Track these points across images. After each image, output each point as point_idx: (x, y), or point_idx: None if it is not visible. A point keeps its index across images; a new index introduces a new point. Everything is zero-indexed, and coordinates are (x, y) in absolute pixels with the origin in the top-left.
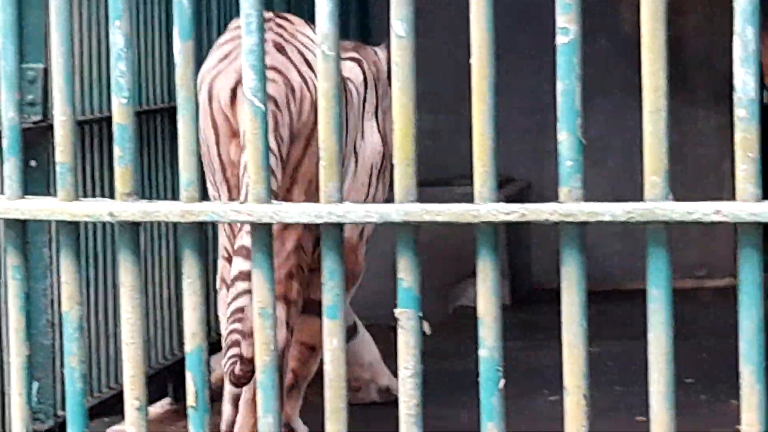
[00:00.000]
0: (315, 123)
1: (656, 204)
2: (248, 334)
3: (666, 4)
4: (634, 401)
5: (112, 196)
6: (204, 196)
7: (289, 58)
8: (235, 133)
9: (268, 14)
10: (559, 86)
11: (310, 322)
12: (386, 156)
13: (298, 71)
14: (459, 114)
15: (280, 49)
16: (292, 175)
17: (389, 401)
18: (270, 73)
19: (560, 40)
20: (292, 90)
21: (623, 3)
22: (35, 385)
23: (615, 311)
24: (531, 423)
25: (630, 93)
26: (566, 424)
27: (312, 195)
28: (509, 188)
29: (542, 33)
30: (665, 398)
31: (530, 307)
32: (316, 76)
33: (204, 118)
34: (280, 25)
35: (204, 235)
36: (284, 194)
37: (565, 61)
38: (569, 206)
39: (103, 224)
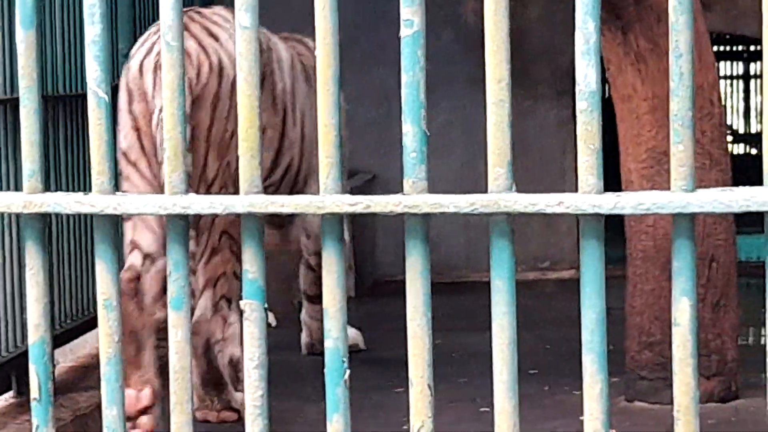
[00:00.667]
0: (220, 87)
1: (500, 195)
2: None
3: None
4: (479, 392)
5: None
6: (47, 187)
7: (189, 31)
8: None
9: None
10: (404, 78)
11: None
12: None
13: (198, 41)
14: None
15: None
16: (206, 139)
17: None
18: None
19: (404, 32)
20: (188, 56)
21: None
22: None
23: (459, 302)
24: (376, 414)
25: (474, 85)
26: (411, 414)
27: (233, 169)
28: (354, 180)
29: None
30: (509, 389)
31: (375, 299)
32: (222, 46)
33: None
34: (197, 12)
35: (47, 226)
36: (201, 161)
37: (409, 53)
38: (414, 198)
39: None
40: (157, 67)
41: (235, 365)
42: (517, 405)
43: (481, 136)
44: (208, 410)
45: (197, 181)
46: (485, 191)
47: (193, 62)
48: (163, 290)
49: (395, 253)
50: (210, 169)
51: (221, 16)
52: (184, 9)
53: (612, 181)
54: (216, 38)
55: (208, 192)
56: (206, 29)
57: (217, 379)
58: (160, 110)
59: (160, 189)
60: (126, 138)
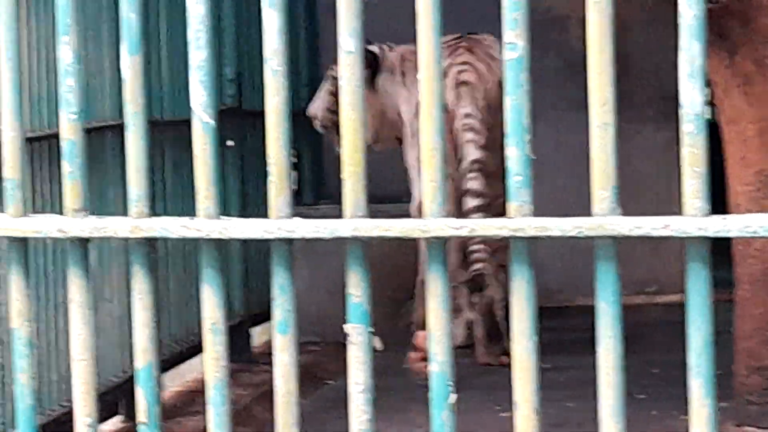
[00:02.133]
0: (500, 98)
1: (604, 219)
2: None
3: (613, 19)
4: (585, 417)
5: (61, 212)
6: (153, 212)
7: (475, 54)
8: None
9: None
10: (507, 101)
11: None
12: None
13: (485, 62)
14: None
15: (469, 50)
16: (492, 137)
17: None
18: (464, 66)
19: (508, 56)
20: (481, 74)
21: (572, 18)
22: None
23: (566, 326)
24: None
25: (579, 109)
26: None
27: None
28: None
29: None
30: (615, 413)
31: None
32: (494, 66)
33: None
34: (470, 38)
35: (154, 250)
36: (485, 155)
37: (513, 76)
38: (518, 221)
39: (53, 240)
40: (457, 84)
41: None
42: (624, 430)
43: (586, 160)
44: (492, 356)
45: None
46: (590, 214)
47: (483, 79)
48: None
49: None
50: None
51: (489, 44)
52: (455, 37)
53: (718, 204)
54: (493, 59)
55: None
56: (486, 53)
57: (496, 332)
58: (464, 115)
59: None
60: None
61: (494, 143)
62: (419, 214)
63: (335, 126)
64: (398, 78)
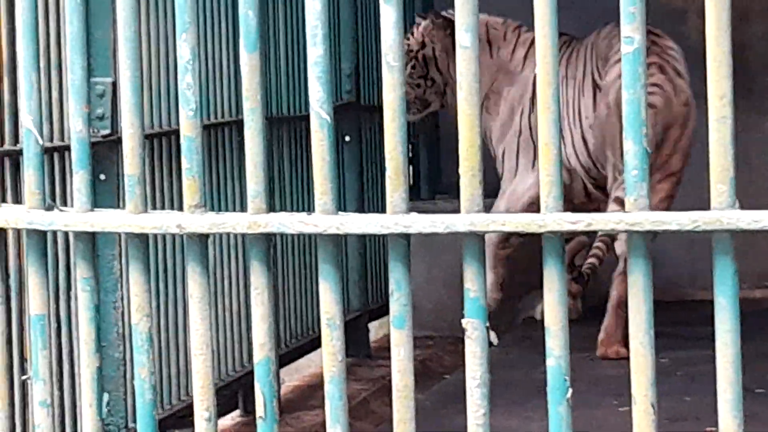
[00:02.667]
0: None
1: (722, 213)
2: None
3: (730, 11)
4: (703, 411)
5: (180, 208)
6: (271, 207)
7: (665, 74)
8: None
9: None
10: (625, 95)
11: None
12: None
13: (671, 83)
14: None
15: (660, 68)
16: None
17: None
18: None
19: (625, 49)
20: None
21: (690, 11)
22: (106, 397)
23: (683, 320)
24: None
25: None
26: None
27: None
28: None
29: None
30: (733, 408)
31: (599, 318)
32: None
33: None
34: (654, 43)
35: (272, 246)
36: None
37: (630, 70)
38: (635, 215)
39: (172, 236)
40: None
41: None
42: (742, 424)
43: (704, 153)
44: (616, 347)
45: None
46: (708, 208)
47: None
48: None
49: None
50: (676, 166)
51: (672, 49)
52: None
53: None
54: (678, 74)
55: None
56: (673, 68)
57: (622, 326)
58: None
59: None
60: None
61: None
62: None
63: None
64: (485, 47)
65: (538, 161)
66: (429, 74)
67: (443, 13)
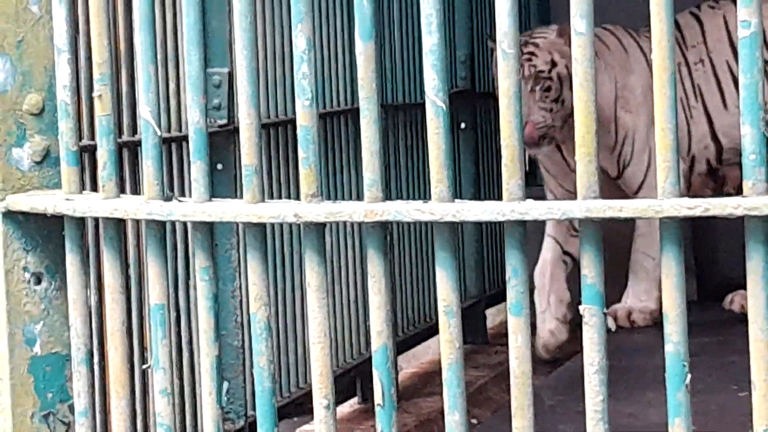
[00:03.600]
0: None
1: None
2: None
3: None
4: None
5: (297, 197)
6: (387, 195)
7: None
8: None
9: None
10: (742, 80)
11: None
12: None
13: None
14: None
15: None
16: None
17: None
18: None
19: (741, 33)
20: None
21: None
22: (225, 386)
23: None
24: (719, 419)
25: None
26: (754, 418)
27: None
28: None
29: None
30: None
31: (717, 302)
32: None
33: None
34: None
35: (388, 234)
36: None
37: (747, 54)
38: (753, 200)
39: (289, 225)
40: None
41: None
42: None
43: None
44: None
45: None
46: None
47: None
48: None
49: (739, 255)
50: None
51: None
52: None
53: None
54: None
55: None
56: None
57: None
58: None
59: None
60: None
61: None
62: None
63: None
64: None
65: (658, 148)
66: (562, 95)
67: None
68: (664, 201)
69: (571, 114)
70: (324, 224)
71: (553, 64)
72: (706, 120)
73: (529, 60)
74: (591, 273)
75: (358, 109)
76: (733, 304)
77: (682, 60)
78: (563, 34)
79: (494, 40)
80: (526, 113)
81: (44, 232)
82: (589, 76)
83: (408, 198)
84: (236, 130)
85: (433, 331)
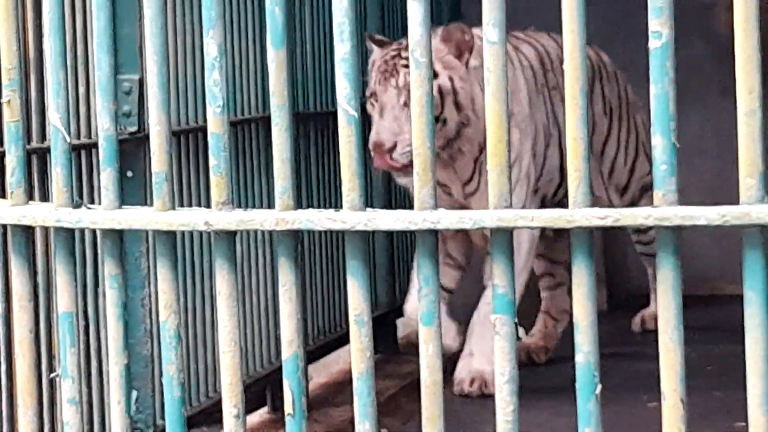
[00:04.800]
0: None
1: (752, 207)
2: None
3: (758, 4)
4: (733, 406)
5: (207, 205)
6: (299, 204)
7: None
8: None
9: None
10: (653, 90)
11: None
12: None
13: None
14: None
15: None
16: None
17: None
18: None
19: (653, 44)
20: None
21: (719, 4)
22: (134, 395)
23: (713, 315)
24: (628, 428)
25: (726, 96)
26: (663, 428)
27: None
28: None
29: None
30: (764, 403)
31: (627, 313)
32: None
33: None
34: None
35: (299, 242)
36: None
37: (658, 65)
38: (664, 210)
39: (200, 233)
40: None
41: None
42: None
43: (732, 147)
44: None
45: None
46: (737, 202)
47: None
48: None
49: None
50: None
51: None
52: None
53: None
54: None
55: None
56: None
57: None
58: None
59: None
60: None
61: None
62: None
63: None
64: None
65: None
66: (443, 114)
67: (453, 26)
68: (576, 211)
69: (455, 137)
70: (235, 232)
71: (434, 75)
72: (558, 152)
73: (406, 67)
74: (502, 282)
75: (269, 117)
76: (644, 324)
77: (544, 82)
78: (448, 40)
79: (374, 41)
80: (395, 131)
81: None
82: (501, 86)
83: (320, 207)
84: (147, 138)
85: (343, 340)
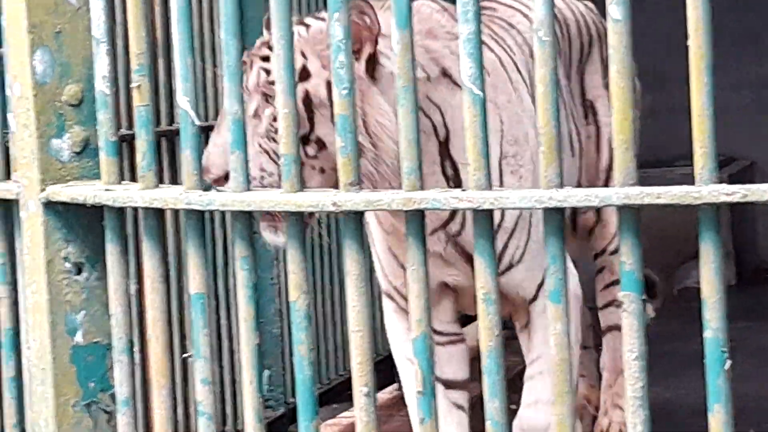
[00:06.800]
0: None
1: None
2: None
3: None
4: None
5: (336, 186)
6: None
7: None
8: None
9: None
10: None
11: None
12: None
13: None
14: (676, 93)
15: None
16: None
17: None
18: None
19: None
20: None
21: None
22: (266, 374)
23: None
24: (758, 403)
25: None
26: None
27: None
28: (731, 168)
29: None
30: None
31: (756, 287)
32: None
33: None
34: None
35: (424, 222)
36: None
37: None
38: None
39: (327, 214)
40: None
41: None
42: None
43: None
44: None
45: None
46: None
47: None
48: None
49: None
50: None
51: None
52: None
53: None
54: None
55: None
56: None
57: None
58: None
59: None
60: None
61: None
62: None
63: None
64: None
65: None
66: (313, 132)
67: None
68: (703, 188)
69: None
70: (362, 213)
71: (303, 74)
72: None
73: (265, 60)
74: (630, 260)
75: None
76: None
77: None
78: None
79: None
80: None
81: (84, 222)
82: (627, 64)
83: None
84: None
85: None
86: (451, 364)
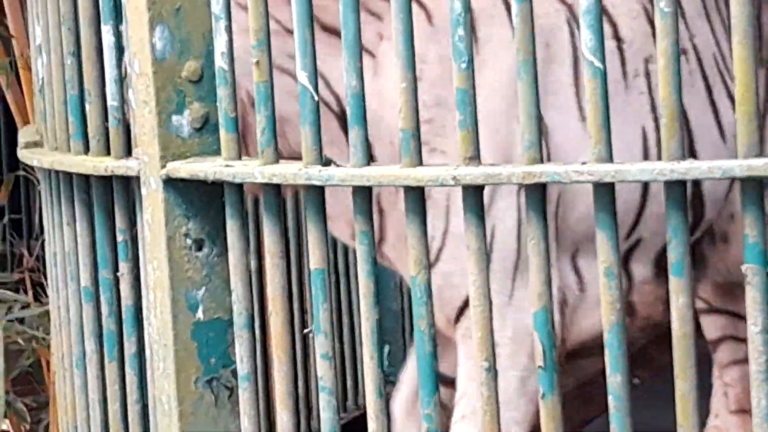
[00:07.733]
0: None
1: None
2: None
3: None
4: None
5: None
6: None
7: None
8: None
9: None
10: None
11: None
12: None
13: None
14: None
15: None
16: None
17: None
18: None
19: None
20: None
21: None
22: (386, 349)
23: None
24: None
25: None
26: None
27: None
28: None
29: None
30: None
31: None
32: None
33: None
34: None
35: (546, 195)
36: None
37: None
38: None
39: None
40: None
41: None
42: None
43: None
44: None
45: None
46: None
47: None
48: None
49: None
50: None
51: None
52: None
53: None
54: None
55: None
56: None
57: None
58: None
59: None
60: None
61: None
62: None
63: None
64: None
65: None
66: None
67: None
68: None
69: None
70: (482, 187)
71: None
72: None
73: None
74: (753, 232)
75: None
76: None
77: None
78: None
79: None
80: None
81: (204, 199)
82: (749, 34)
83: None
84: None
85: None
86: (449, 359)
